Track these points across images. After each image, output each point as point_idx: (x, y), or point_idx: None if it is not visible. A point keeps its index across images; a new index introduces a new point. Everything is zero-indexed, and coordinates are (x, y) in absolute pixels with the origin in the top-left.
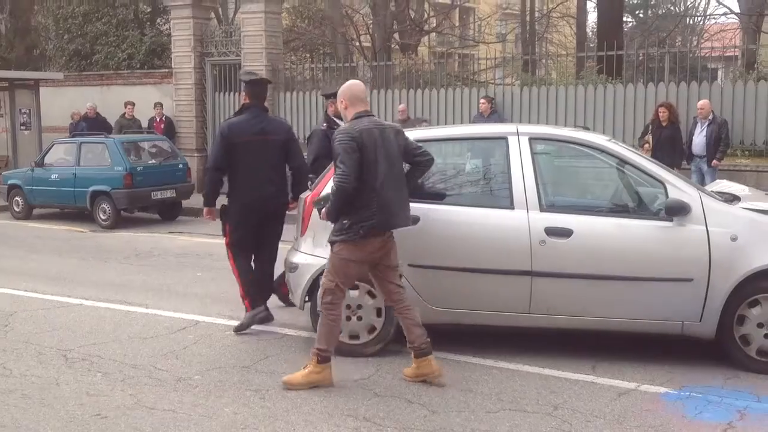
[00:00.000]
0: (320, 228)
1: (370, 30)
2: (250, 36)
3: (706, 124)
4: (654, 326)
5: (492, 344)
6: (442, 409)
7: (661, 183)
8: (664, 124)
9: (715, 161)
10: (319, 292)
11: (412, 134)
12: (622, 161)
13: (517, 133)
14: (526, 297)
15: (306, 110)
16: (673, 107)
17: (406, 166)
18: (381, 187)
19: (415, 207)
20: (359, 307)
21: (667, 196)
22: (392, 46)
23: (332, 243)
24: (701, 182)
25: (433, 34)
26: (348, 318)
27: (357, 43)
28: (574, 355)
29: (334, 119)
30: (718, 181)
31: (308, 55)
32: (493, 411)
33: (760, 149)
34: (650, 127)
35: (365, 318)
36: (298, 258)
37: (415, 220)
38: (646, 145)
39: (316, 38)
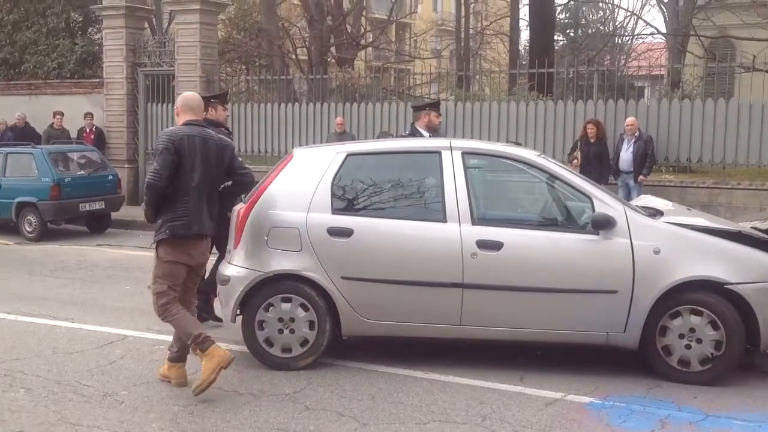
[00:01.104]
0: (253, 241)
1: (306, 43)
2: (184, 47)
3: (633, 140)
4: (580, 337)
5: (422, 356)
6: (373, 421)
7: (588, 197)
8: (592, 140)
9: (641, 177)
10: (153, 299)
11: (346, 147)
12: (552, 176)
13: (450, 148)
14: (458, 309)
15: (241, 122)
16: (601, 124)
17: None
18: (191, 192)
19: (348, 220)
20: (291, 320)
21: (593, 210)
22: (329, 59)
23: (156, 244)
24: (628, 197)
25: (370, 48)
26: (280, 331)
27: (293, 56)
28: (504, 365)
29: (420, 130)
30: (642, 196)
31: (244, 67)
32: (423, 422)
33: (684, 165)
34: (579, 143)
35: (297, 331)
36: (230, 271)
37: (348, 232)
38: (575, 161)
39: (252, 50)
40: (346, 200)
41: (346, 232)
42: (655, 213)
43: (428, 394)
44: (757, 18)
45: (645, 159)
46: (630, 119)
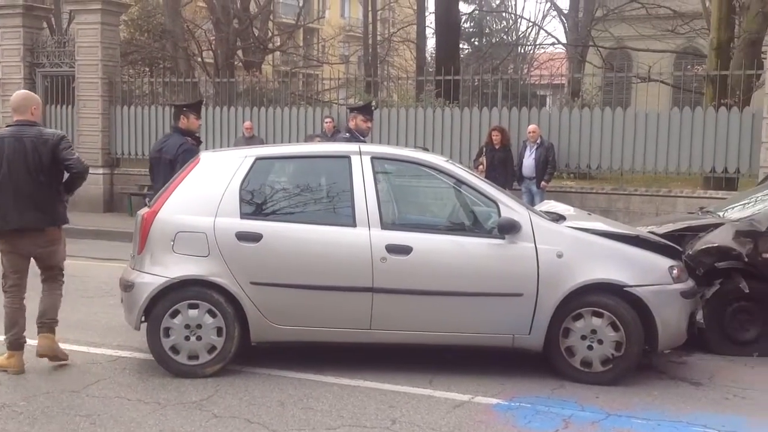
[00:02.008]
0: (158, 246)
1: (212, 46)
2: (84, 47)
3: (535, 147)
4: (488, 339)
5: (332, 361)
6: (282, 428)
7: (494, 202)
8: (497, 146)
9: (543, 183)
10: None
11: (254, 150)
12: (459, 181)
13: (360, 153)
14: (367, 313)
15: (144, 124)
16: (505, 131)
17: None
18: (2, 189)
19: (257, 225)
20: (198, 326)
21: (499, 215)
22: (236, 63)
23: None
24: (531, 202)
25: (278, 52)
26: (186, 338)
27: (199, 59)
28: (414, 369)
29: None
30: (546, 201)
31: (147, 68)
32: (333, 428)
33: (584, 172)
34: (484, 149)
35: (205, 337)
36: (134, 276)
37: (257, 237)
38: (481, 167)
39: (156, 52)
40: (254, 205)
41: (254, 237)
42: (558, 218)
43: (338, 399)
44: (652, 30)
45: (546, 165)
46: (531, 126)
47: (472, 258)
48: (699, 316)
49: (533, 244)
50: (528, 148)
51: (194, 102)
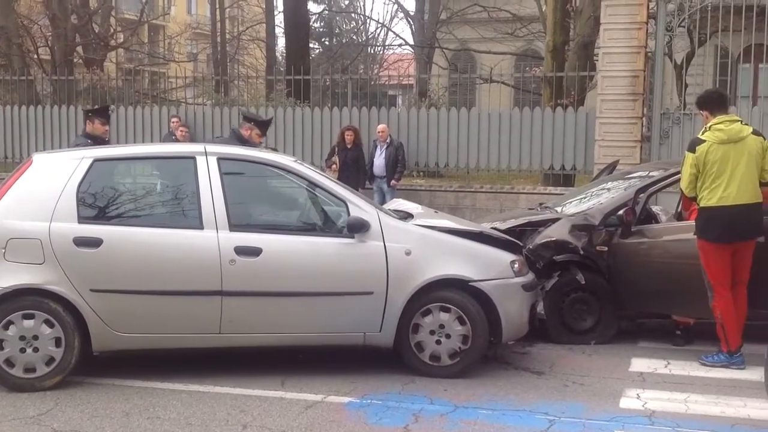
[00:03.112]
0: None
1: (49, 42)
2: None
3: (385, 147)
4: (339, 338)
5: (181, 368)
6: None
7: (344, 202)
8: (349, 146)
9: (393, 181)
10: None
11: (92, 151)
12: (308, 181)
13: (206, 153)
14: (217, 317)
15: None
16: (356, 130)
17: None
18: None
19: (97, 229)
20: (35, 337)
21: (349, 214)
22: (75, 60)
23: None
24: (382, 201)
25: (121, 49)
26: (22, 350)
27: (35, 56)
28: (265, 371)
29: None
30: (394, 199)
31: None
32: None
33: (433, 170)
34: (336, 149)
35: (42, 349)
36: None
37: (97, 242)
38: (334, 166)
39: None
40: (94, 208)
41: (94, 242)
42: (406, 216)
43: (187, 406)
44: (494, 33)
45: (397, 164)
46: (381, 126)
47: (323, 258)
48: (540, 308)
49: (382, 243)
50: (378, 147)
51: (100, 107)
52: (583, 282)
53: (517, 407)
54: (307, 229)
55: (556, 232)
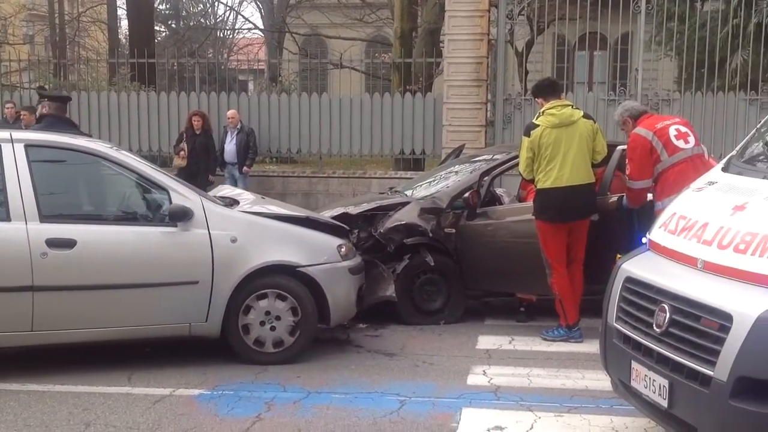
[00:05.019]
0: None
1: None
2: None
3: (236, 132)
4: (164, 330)
5: (18, 367)
6: None
7: (165, 190)
8: (197, 132)
9: (245, 168)
10: None
11: None
12: (127, 169)
13: (11, 140)
14: (28, 314)
15: None
16: (206, 116)
17: None
18: None
19: None
20: None
21: (171, 202)
22: None
23: None
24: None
25: None
26: None
27: None
28: (111, 367)
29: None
30: (220, 186)
31: None
32: None
33: (285, 156)
34: (184, 135)
35: None
36: None
37: None
38: (182, 153)
39: None
40: None
41: None
42: (231, 203)
43: (25, 407)
44: (344, 18)
45: (248, 150)
46: (230, 112)
47: (144, 248)
48: (391, 291)
49: (207, 230)
50: (229, 133)
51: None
52: (433, 264)
53: (370, 390)
54: (126, 218)
55: (406, 216)
